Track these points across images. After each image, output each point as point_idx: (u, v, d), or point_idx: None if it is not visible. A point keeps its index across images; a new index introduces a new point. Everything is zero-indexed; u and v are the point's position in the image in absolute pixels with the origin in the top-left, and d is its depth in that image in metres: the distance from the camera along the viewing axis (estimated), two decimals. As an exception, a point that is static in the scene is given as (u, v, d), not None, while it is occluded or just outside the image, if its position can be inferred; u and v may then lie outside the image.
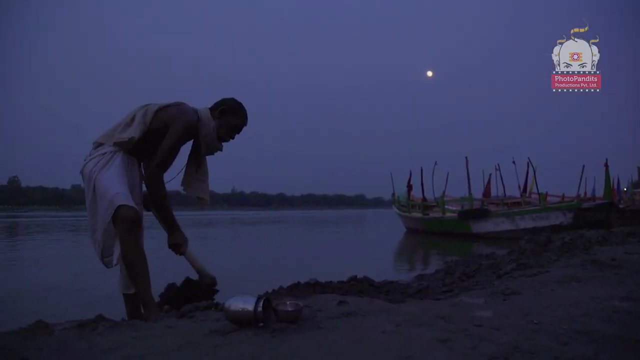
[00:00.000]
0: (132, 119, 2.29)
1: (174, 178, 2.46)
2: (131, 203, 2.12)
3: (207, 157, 2.53)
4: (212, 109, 2.41)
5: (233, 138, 2.46)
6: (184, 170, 2.47)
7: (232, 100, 2.44)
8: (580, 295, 2.23)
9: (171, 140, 2.25)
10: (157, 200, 2.32)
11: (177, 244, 2.38)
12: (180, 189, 2.51)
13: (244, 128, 2.48)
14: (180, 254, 2.41)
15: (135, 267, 2.12)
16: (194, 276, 2.47)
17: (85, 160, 2.28)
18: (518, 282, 2.79)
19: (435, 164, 16.43)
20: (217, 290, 2.48)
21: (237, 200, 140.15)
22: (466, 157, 15.48)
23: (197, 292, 2.39)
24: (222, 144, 2.44)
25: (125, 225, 2.08)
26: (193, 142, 2.43)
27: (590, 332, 1.61)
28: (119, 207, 2.07)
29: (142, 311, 2.21)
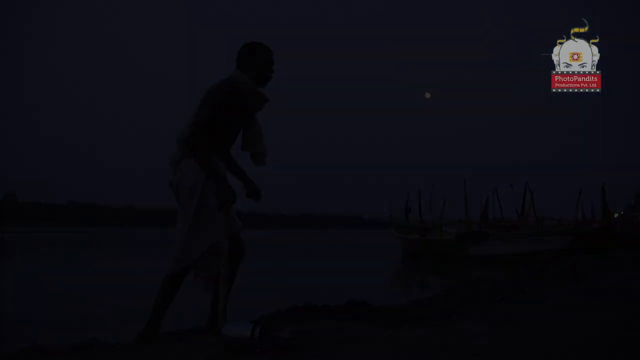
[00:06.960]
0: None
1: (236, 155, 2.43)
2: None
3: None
4: (239, 66, 2.32)
5: (273, 71, 2.37)
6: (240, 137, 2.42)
7: (243, 47, 2.37)
8: (582, 322, 2.20)
9: (207, 103, 2.18)
10: (201, 165, 2.17)
11: (250, 193, 2.40)
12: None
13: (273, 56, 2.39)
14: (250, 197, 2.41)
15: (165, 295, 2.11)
16: None
17: (173, 176, 2.23)
18: (518, 308, 2.76)
19: (433, 186, 16.51)
20: None
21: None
22: (464, 180, 15.57)
23: None
24: (268, 96, 2.37)
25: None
26: (236, 111, 2.29)
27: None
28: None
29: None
